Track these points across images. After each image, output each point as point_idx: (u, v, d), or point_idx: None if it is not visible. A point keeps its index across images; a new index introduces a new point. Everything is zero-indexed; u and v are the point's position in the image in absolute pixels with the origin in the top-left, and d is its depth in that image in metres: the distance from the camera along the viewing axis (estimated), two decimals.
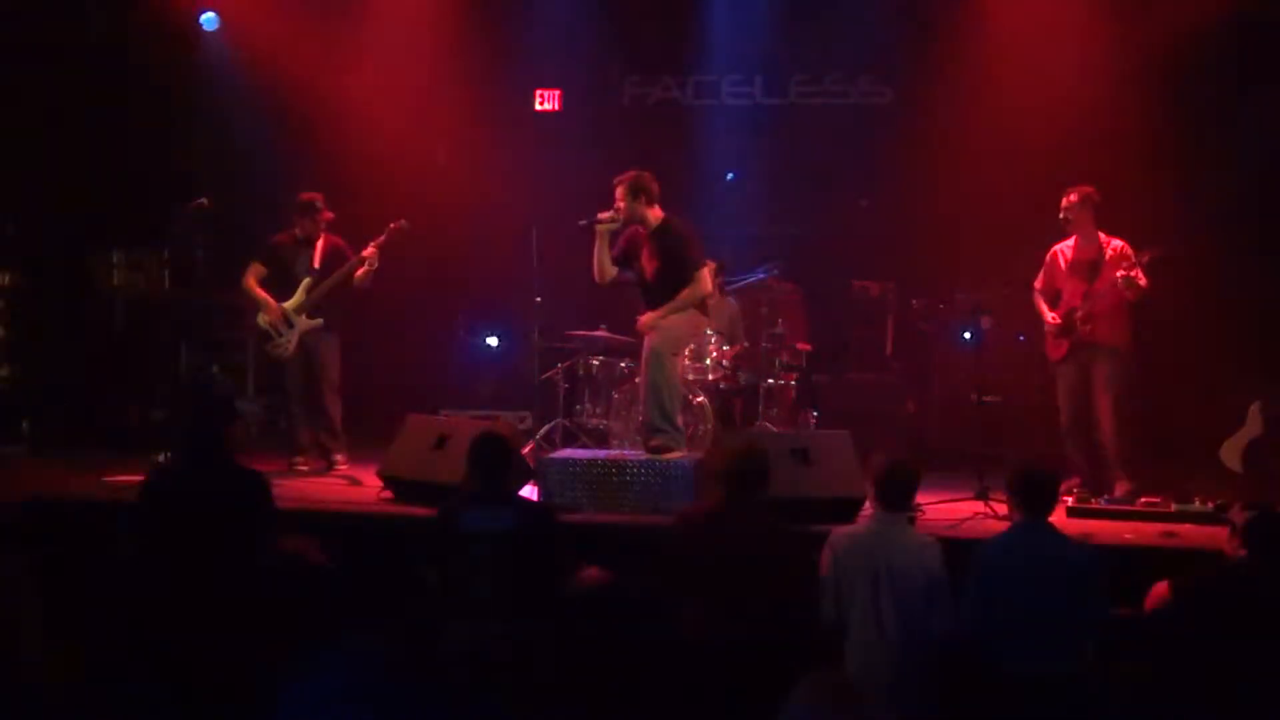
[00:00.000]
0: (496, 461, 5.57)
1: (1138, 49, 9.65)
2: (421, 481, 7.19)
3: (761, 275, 9.92)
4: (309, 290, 8.53)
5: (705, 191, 10.24)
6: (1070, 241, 8.11)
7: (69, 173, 10.05)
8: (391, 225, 8.47)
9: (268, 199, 10.17)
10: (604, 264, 7.54)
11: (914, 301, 10.52)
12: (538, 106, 11.33)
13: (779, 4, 11.09)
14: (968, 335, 9.75)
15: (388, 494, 7.50)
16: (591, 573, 5.62)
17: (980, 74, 10.09)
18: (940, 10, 10.21)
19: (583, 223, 7.47)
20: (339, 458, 8.62)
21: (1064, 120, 9.79)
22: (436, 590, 5.34)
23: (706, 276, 7.56)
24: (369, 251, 8.41)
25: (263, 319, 8.54)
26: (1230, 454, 8.27)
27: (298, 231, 8.66)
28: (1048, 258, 8.22)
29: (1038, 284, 8.24)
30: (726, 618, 5.16)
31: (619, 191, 7.45)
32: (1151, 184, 9.34)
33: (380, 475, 7.62)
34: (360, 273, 8.44)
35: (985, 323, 9.40)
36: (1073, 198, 7.94)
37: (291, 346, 8.53)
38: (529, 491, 7.10)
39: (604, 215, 7.45)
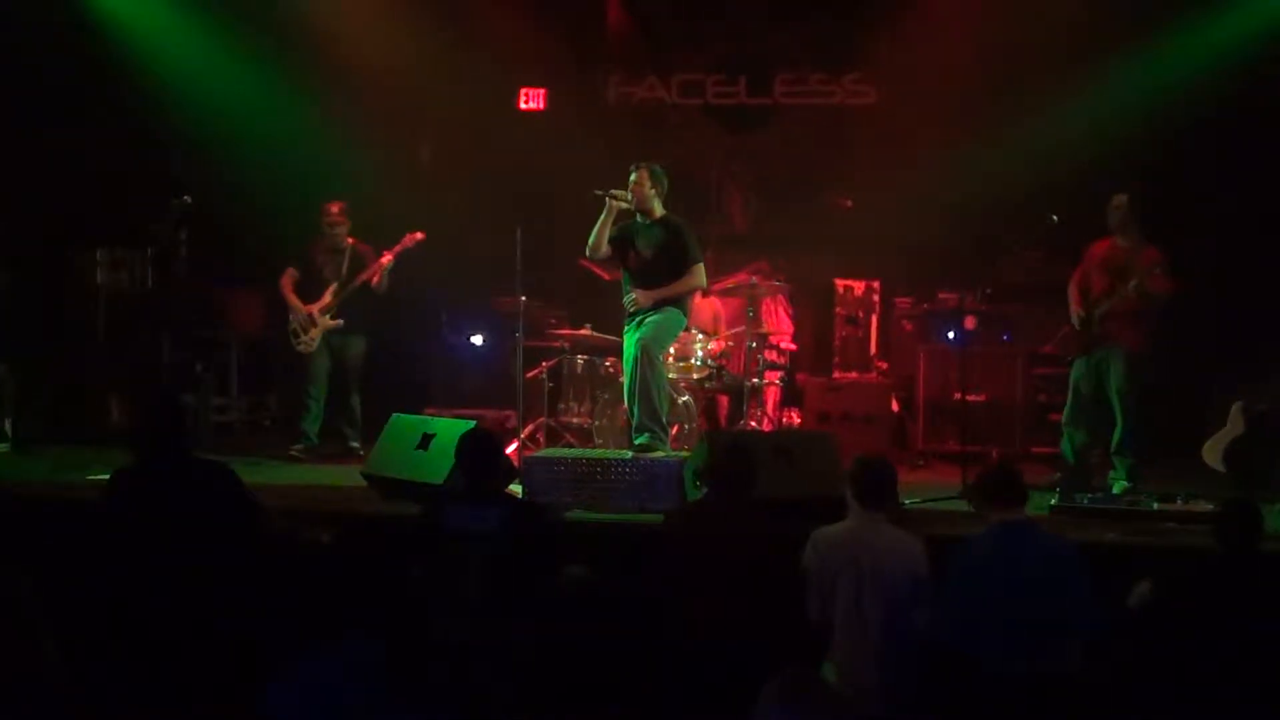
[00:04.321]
0: (484, 459, 5.56)
1: (1124, 51, 9.69)
2: (405, 480, 7.18)
3: (746, 275, 9.94)
4: (335, 294, 9.22)
5: (690, 191, 10.23)
6: (1109, 240, 8.16)
7: (52, 171, 10.01)
8: (407, 236, 9.15)
9: (251, 198, 10.17)
10: (602, 238, 7.63)
11: (898, 301, 10.55)
12: (522, 105, 11.32)
13: (763, 3, 11.10)
14: (951, 335, 9.79)
15: (372, 493, 7.48)
16: (575, 571, 5.61)
17: (963, 74, 10.12)
18: (924, 10, 10.22)
19: (598, 192, 7.57)
20: (356, 444, 9.29)
21: (1050, 121, 9.82)
22: (422, 589, 5.32)
23: (703, 272, 7.69)
24: (385, 260, 9.12)
25: (292, 320, 9.27)
26: (1212, 453, 8.32)
27: (325, 239, 9.32)
28: (1087, 252, 8.26)
29: (1074, 276, 8.26)
30: (714, 617, 5.16)
31: (640, 175, 7.58)
32: (1136, 185, 9.38)
33: (364, 474, 7.61)
34: (376, 280, 9.16)
35: (969, 322, 9.44)
36: (1121, 199, 8.07)
37: (314, 345, 9.25)
38: (513, 491, 7.08)
39: (619, 192, 7.54)
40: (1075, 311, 8.14)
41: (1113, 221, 8.09)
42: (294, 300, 9.28)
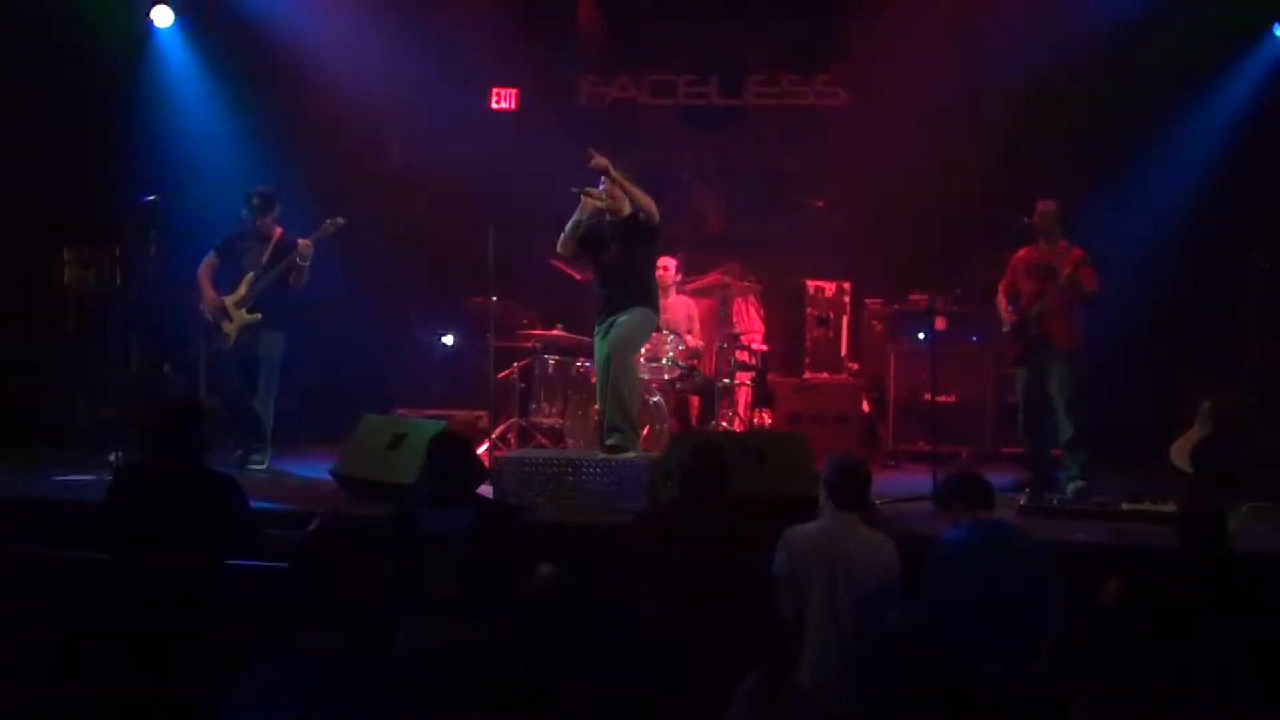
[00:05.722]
0: (456, 461, 5.54)
1: (1089, 53, 9.75)
2: (376, 481, 7.17)
3: (718, 275, 9.95)
4: (251, 285, 8.55)
5: (662, 191, 10.23)
6: (1031, 247, 8.33)
7: (19, 169, 9.93)
8: (327, 221, 8.54)
9: (221, 197, 10.10)
10: (574, 235, 7.58)
11: (869, 302, 10.58)
12: (494, 105, 11.31)
13: (735, 4, 11.11)
14: (922, 335, 9.83)
15: (342, 494, 7.46)
16: (545, 571, 5.61)
17: (935, 76, 10.16)
18: (895, 12, 10.25)
19: (574, 189, 7.52)
20: (256, 457, 8.50)
21: (1019, 122, 9.87)
22: (395, 590, 5.30)
23: (655, 208, 7.55)
24: (301, 246, 8.44)
25: (203, 309, 8.61)
26: (1179, 454, 8.38)
27: (249, 226, 8.69)
28: (1012, 260, 8.41)
29: (1001, 285, 8.42)
30: (685, 617, 5.16)
31: (615, 175, 7.55)
32: (1103, 186, 9.45)
33: (334, 474, 7.58)
34: (293, 275, 8.50)
35: (939, 323, 9.48)
36: (1048, 205, 8.22)
37: (231, 340, 8.54)
38: (483, 491, 7.07)
39: (594, 191, 7.53)
40: (1007, 319, 8.33)
41: (1039, 227, 8.23)
42: (206, 287, 8.58)
